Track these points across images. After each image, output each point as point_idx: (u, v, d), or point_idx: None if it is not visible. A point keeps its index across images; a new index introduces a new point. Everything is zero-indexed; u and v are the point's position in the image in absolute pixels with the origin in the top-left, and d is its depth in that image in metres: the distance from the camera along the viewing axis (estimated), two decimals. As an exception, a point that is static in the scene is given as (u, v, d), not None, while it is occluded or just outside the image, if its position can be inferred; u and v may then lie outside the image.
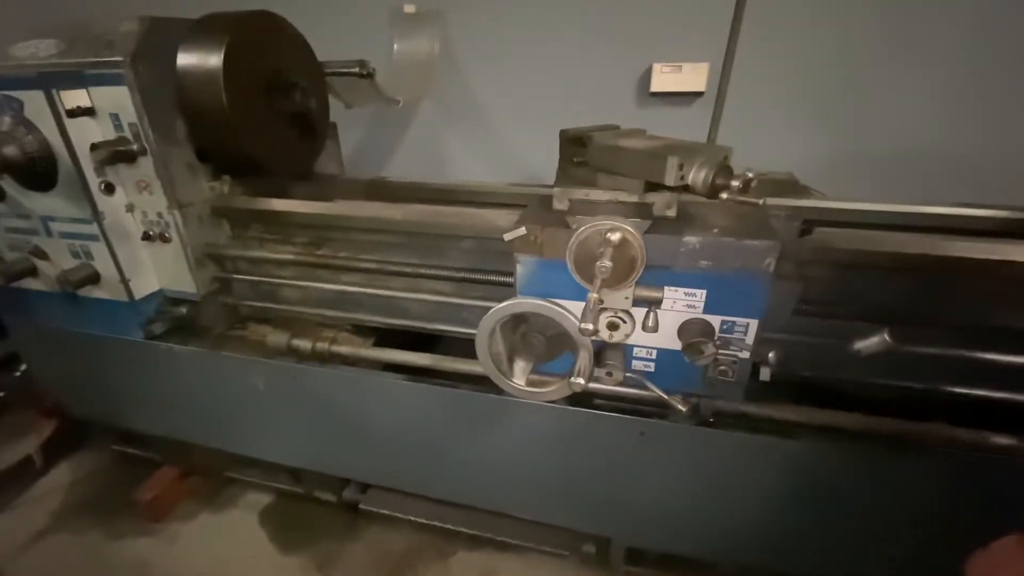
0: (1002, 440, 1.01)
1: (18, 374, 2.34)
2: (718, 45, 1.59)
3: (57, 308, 1.59)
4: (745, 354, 1.00)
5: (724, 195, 0.88)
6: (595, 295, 0.88)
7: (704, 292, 0.98)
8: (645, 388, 1.03)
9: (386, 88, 1.82)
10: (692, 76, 1.90)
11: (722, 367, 1.03)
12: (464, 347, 1.27)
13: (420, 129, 2.30)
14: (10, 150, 1.29)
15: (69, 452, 2.17)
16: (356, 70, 1.63)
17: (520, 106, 2.16)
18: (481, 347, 1.05)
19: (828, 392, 1.16)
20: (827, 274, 1.04)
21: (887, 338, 0.93)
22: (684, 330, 1.02)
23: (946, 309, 0.95)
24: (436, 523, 1.63)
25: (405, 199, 1.61)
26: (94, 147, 1.27)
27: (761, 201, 0.84)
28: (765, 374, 1.09)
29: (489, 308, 1.01)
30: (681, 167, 0.90)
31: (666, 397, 1.02)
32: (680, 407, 1.00)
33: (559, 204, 1.06)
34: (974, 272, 0.94)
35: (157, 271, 1.49)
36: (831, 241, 1.03)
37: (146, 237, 1.42)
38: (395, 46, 2.03)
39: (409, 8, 2.06)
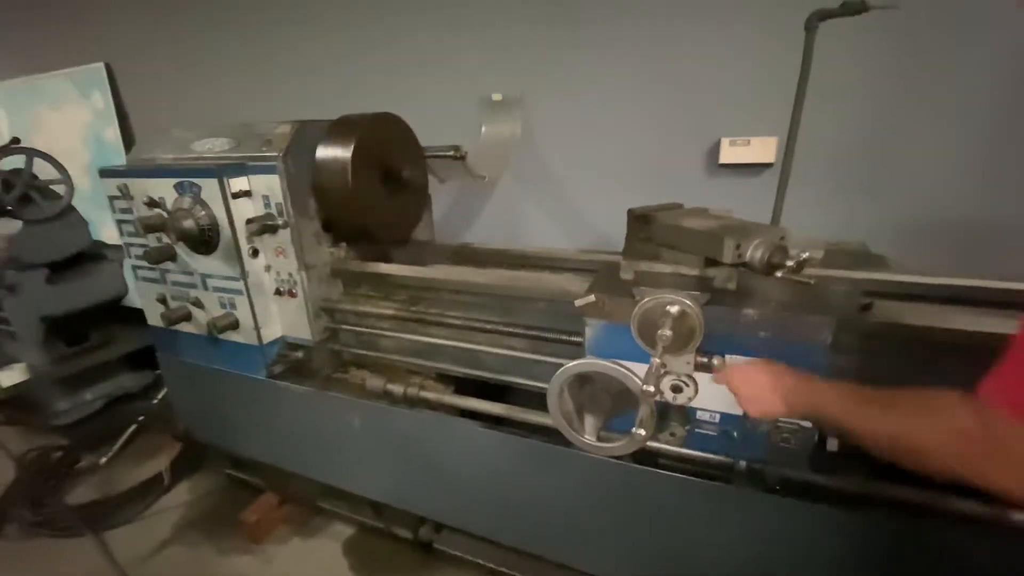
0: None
1: (155, 401, 2.78)
2: (786, 120, 1.68)
3: (200, 347, 1.92)
4: (807, 423, 1.04)
5: (779, 273, 0.97)
6: (657, 360, 0.98)
7: (764, 361, 1.05)
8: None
9: (474, 166, 2.08)
10: (761, 149, 1.98)
11: (784, 435, 1.08)
12: (535, 399, 1.39)
13: (501, 199, 2.55)
14: (188, 223, 1.65)
15: (191, 473, 2.50)
16: (451, 153, 1.91)
17: (594, 178, 2.34)
18: (552, 401, 1.17)
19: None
20: (890, 348, 1.06)
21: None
22: (745, 396, 1.08)
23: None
24: (503, 569, 1.70)
25: (488, 263, 1.81)
26: (249, 221, 1.60)
27: (812, 280, 0.92)
28: (832, 444, 1.11)
29: (559, 365, 1.13)
30: (738, 247, 1.00)
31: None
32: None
33: (625, 275, 1.19)
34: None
35: (281, 320, 1.78)
36: (892, 316, 1.06)
37: (277, 292, 1.72)
38: (483, 129, 2.32)
39: (496, 96, 2.36)
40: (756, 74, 1.97)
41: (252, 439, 2.00)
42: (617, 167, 2.30)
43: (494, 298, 1.54)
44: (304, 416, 1.76)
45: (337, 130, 1.59)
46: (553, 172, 2.44)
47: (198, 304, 1.81)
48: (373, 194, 1.64)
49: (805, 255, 0.96)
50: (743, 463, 1.17)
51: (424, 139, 1.95)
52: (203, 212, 1.65)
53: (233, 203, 1.62)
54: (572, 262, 1.77)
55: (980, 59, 1.69)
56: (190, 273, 1.80)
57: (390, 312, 1.61)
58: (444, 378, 1.66)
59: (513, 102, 2.36)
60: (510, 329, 1.47)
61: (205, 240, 1.68)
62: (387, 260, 1.70)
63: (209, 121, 2.03)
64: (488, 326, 1.49)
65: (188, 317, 1.86)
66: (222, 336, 1.79)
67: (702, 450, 1.20)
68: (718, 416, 1.14)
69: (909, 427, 0.74)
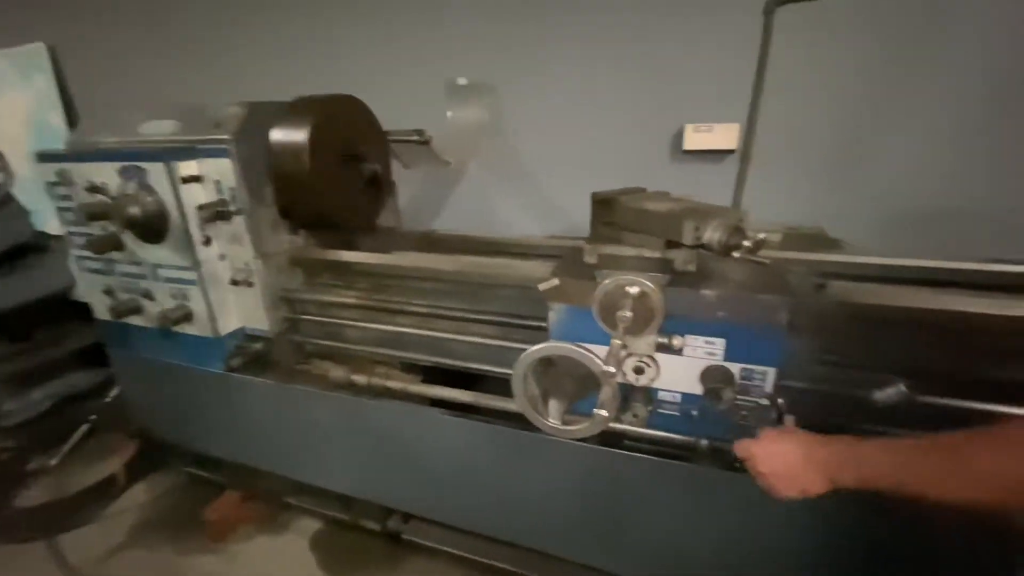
0: None
1: (108, 399, 2.65)
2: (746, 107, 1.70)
3: (153, 342, 1.83)
4: (765, 401, 1.06)
5: (736, 254, 0.98)
6: (618, 341, 0.98)
7: (723, 341, 1.06)
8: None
9: (439, 151, 2.04)
10: (723, 135, 2.01)
11: (744, 412, 1.10)
12: (503, 386, 1.38)
13: (468, 185, 2.51)
14: (134, 210, 1.56)
15: (148, 472, 2.41)
16: (415, 138, 1.86)
17: (561, 164, 2.33)
18: (517, 386, 1.16)
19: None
20: (845, 326, 1.09)
21: (903, 389, 0.97)
22: (705, 376, 1.10)
23: (962, 362, 0.99)
24: (473, 556, 1.69)
25: (454, 250, 1.78)
26: (200, 208, 1.53)
27: (768, 261, 0.93)
28: (790, 421, 1.13)
29: (526, 350, 1.12)
30: (697, 229, 1.01)
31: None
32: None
33: (589, 258, 1.19)
34: (987, 327, 0.98)
35: (239, 311, 1.71)
36: (846, 295, 1.09)
37: (233, 282, 1.65)
38: (448, 114, 2.28)
39: (462, 81, 2.31)
40: (720, 60, 1.98)
41: (212, 435, 1.94)
42: (584, 153, 2.29)
43: (460, 285, 1.51)
44: (266, 410, 1.71)
45: (293, 111, 1.53)
46: (521, 159, 2.42)
47: (148, 296, 1.73)
48: (332, 179, 1.58)
49: (761, 236, 0.97)
50: (704, 441, 1.19)
51: (391, 125, 1.90)
52: (150, 198, 1.56)
53: (182, 188, 1.54)
54: (539, 248, 1.77)
55: (945, 46, 1.74)
56: (139, 263, 1.71)
57: (353, 301, 1.56)
58: (411, 367, 1.64)
59: (480, 87, 2.32)
60: (477, 316, 1.45)
61: (153, 228, 1.59)
62: (349, 247, 1.66)
63: (160, 104, 1.92)
64: (454, 313, 1.47)
65: (138, 310, 1.77)
66: (176, 329, 1.72)
67: (665, 430, 1.21)
68: (679, 396, 1.16)
69: (1007, 470, 0.64)
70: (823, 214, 1.93)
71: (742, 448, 0.94)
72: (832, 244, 1.61)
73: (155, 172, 1.54)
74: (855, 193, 1.95)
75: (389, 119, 1.90)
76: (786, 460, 0.86)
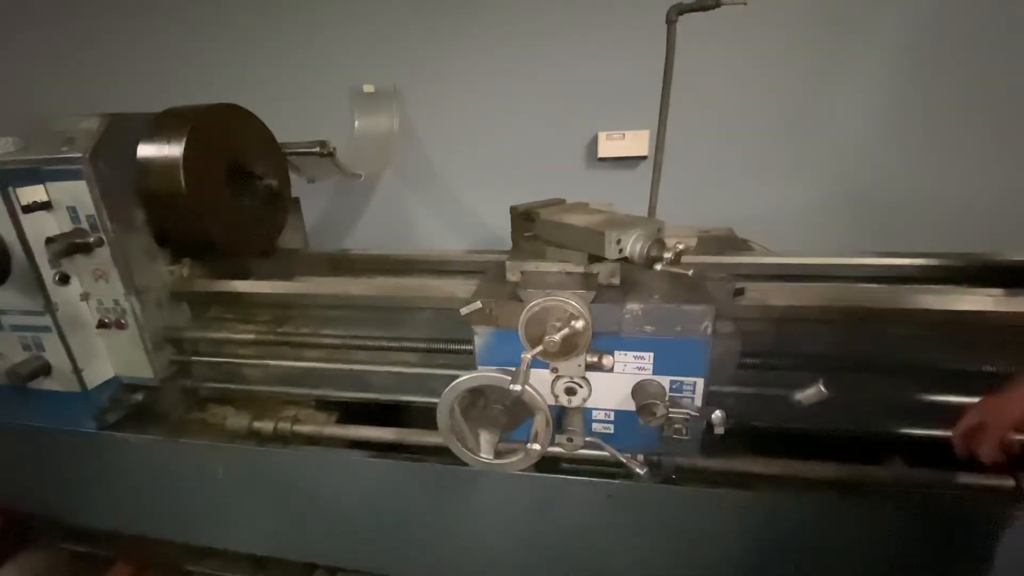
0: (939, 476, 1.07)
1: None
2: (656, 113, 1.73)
3: (4, 402, 1.53)
4: (695, 412, 1.04)
5: (659, 266, 0.95)
6: (527, 356, 0.92)
7: (651, 355, 1.03)
8: (605, 451, 1.06)
9: (348, 163, 1.89)
10: (634, 142, 2.05)
11: (676, 425, 1.07)
12: (432, 417, 1.27)
13: (383, 199, 2.37)
14: (-40, 247, 1.28)
15: (12, 553, 2.01)
16: (317, 150, 1.70)
17: (478, 174, 2.27)
18: (442, 421, 1.07)
19: (788, 440, 1.20)
20: (764, 328, 1.11)
21: (823, 388, 0.99)
22: (637, 392, 1.06)
23: (875, 354, 1.03)
24: (410, 604, 1.56)
25: (367, 271, 1.65)
26: (50, 240, 1.28)
27: (691, 271, 0.91)
28: (719, 427, 1.13)
29: (453, 376, 1.03)
30: (619, 242, 0.97)
31: (624, 459, 1.05)
32: (639, 470, 1.02)
33: (511, 276, 1.12)
34: (894, 319, 1.03)
35: (112, 358, 1.46)
36: (764, 298, 1.11)
37: (101, 325, 1.41)
38: (355, 123, 2.13)
39: (368, 88, 2.18)
40: (629, 69, 2.02)
41: (90, 504, 1.64)
42: (502, 164, 2.25)
43: (376, 310, 1.39)
44: (152, 470, 1.47)
45: (163, 123, 1.32)
46: (437, 170, 2.32)
47: (-13, 350, 1.43)
48: (215, 198, 1.39)
49: (681, 246, 0.95)
50: (640, 457, 1.16)
51: (290, 137, 1.72)
52: (-18, 232, 1.29)
53: (25, 218, 1.29)
54: (460, 264, 1.67)
55: (848, 49, 1.87)
56: (-26, 310, 1.41)
57: (251, 336, 1.38)
58: (328, 406, 1.48)
59: (387, 94, 2.19)
60: (396, 344, 1.33)
61: (-11, 267, 1.32)
62: (244, 275, 1.47)
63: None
64: (371, 342, 1.34)
65: (-23, 366, 1.46)
66: (31, 385, 1.43)
67: (598, 449, 1.17)
68: (613, 414, 1.11)
69: None
70: (731, 214, 2.02)
71: None
72: (741, 244, 1.66)
73: (-13, 200, 1.27)
74: (761, 192, 2.07)
75: (288, 131, 1.72)
76: None
